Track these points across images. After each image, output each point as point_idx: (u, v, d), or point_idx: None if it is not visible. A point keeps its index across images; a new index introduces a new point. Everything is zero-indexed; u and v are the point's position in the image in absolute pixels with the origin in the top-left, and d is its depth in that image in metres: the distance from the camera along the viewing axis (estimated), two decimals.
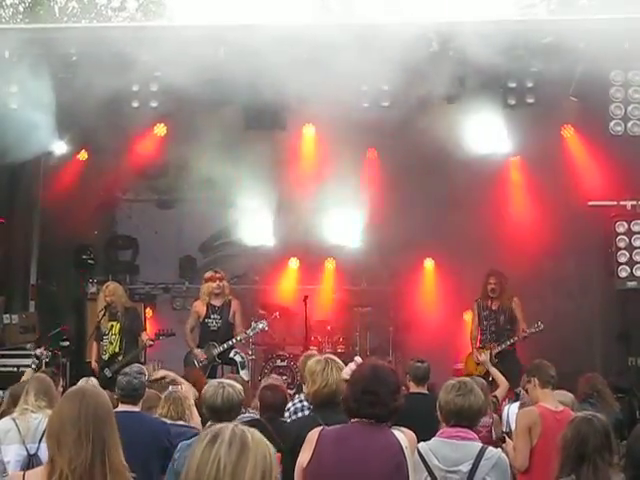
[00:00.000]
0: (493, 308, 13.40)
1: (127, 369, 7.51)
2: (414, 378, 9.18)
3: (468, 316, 14.34)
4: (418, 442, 5.86)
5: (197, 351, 13.19)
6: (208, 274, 13.74)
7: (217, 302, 13.42)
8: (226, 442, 2.95)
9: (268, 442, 3.03)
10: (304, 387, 7.04)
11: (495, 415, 8.94)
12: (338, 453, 5.16)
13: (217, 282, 13.43)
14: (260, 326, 13.35)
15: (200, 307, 13.48)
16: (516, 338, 13.05)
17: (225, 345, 13.10)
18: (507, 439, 8.14)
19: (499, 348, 13.07)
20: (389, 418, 5.29)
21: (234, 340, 13.19)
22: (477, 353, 13.08)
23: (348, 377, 5.49)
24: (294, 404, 8.63)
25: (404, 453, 5.20)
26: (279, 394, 8.30)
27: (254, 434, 3.02)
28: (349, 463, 5.15)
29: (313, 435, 5.24)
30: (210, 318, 13.36)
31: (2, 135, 11.19)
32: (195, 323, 13.49)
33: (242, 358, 13.17)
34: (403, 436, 5.30)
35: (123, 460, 4.19)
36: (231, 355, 13.14)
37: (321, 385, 6.10)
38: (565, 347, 13.16)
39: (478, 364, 12.77)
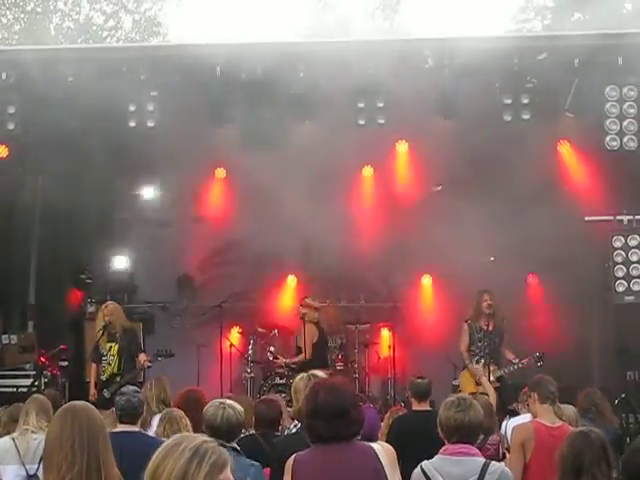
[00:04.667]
0: (489, 329, 13.00)
1: (124, 389, 7.51)
2: (415, 395, 9.18)
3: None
4: (423, 460, 5.89)
5: None
6: None
7: None
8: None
9: None
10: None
11: (502, 433, 8.93)
12: (317, 476, 5.17)
13: None
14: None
15: None
16: (520, 365, 12.70)
17: None
18: (506, 454, 8.15)
19: (500, 372, 12.81)
20: (360, 429, 5.33)
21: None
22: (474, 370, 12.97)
23: None
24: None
25: (381, 463, 5.23)
26: (274, 408, 8.26)
27: None
28: None
29: (289, 463, 5.28)
30: None
31: None
32: None
33: None
34: (380, 448, 5.35)
35: (119, 473, 4.18)
36: None
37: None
38: (563, 362, 13.11)
39: (478, 384, 12.63)
